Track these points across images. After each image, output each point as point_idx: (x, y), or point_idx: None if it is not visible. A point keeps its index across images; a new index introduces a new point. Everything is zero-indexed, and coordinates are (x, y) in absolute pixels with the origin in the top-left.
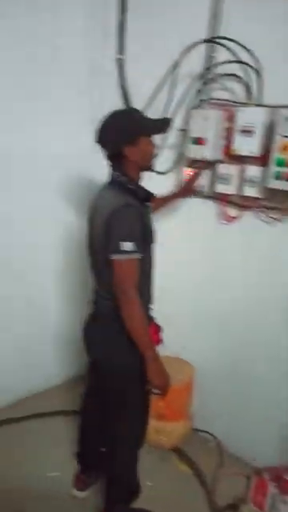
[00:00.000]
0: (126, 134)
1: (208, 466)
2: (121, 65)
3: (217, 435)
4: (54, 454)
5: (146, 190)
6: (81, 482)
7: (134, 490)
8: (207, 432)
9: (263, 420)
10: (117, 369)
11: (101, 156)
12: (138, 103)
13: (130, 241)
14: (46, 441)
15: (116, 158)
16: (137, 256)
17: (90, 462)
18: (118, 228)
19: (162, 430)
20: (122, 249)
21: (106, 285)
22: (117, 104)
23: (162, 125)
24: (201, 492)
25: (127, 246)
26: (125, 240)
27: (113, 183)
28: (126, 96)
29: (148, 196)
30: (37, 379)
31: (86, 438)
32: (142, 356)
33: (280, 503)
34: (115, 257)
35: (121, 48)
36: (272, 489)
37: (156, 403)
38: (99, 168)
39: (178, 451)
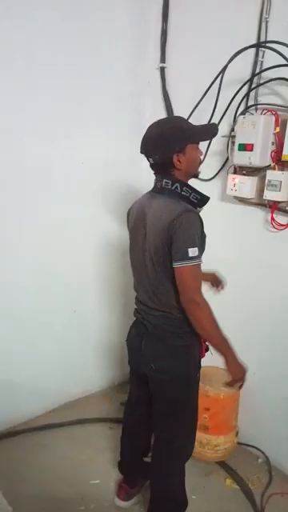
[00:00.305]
0: (174, 143)
1: (256, 483)
2: (163, 73)
3: (265, 451)
4: (95, 462)
5: (201, 194)
6: (124, 492)
7: (181, 504)
8: (255, 447)
9: None
10: (179, 380)
11: (140, 164)
12: (180, 111)
13: (194, 246)
14: (88, 448)
15: (162, 167)
16: (200, 261)
17: (134, 472)
18: (183, 234)
19: (206, 442)
20: (188, 255)
21: (162, 295)
22: (158, 112)
23: (209, 131)
24: (248, 509)
25: (192, 251)
26: (190, 246)
27: (162, 191)
28: (168, 104)
29: (204, 200)
30: (77, 386)
31: (129, 448)
32: (223, 357)
33: None
34: (180, 264)
35: (163, 56)
36: None
37: (200, 415)
38: (138, 175)
39: (223, 465)
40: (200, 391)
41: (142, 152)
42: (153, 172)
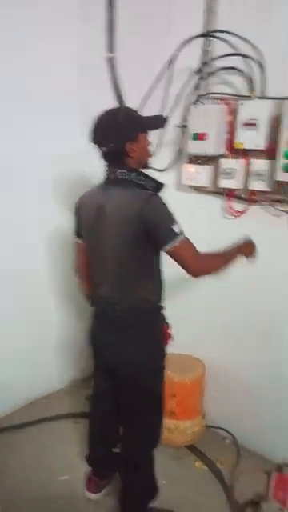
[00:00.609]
0: (127, 131)
1: (225, 463)
2: (112, 63)
3: (233, 431)
4: (62, 458)
5: (156, 181)
6: (94, 485)
7: (153, 491)
8: (223, 429)
9: (280, 415)
10: (147, 371)
11: (91, 156)
12: (131, 102)
13: (176, 222)
14: (54, 445)
15: (116, 156)
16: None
17: (103, 464)
18: (161, 216)
19: (174, 428)
20: (175, 233)
21: (130, 287)
22: (109, 103)
23: (158, 120)
24: (219, 489)
25: (177, 227)
26: (173, 224)
27: (118, 181)
28: (119, 95)
29: (159, 187)
30: (39, 384)
31: (97, 441)
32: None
33: None
34: (171, 244)
35: (111, 46)
36: None
37: (168, 401)
38: (89, 168)
39: (192, 449)
40: (166, 378)
41: (93, 141)
42: (104, 163)
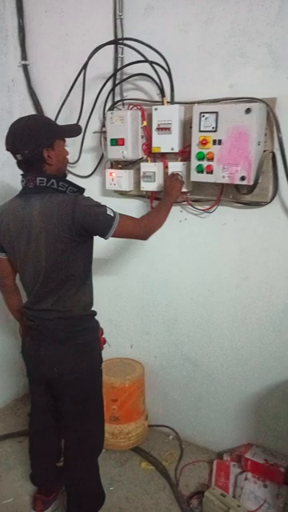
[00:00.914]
0: (44, 137)
1: (169, 460)
2: (26, 70)
3: (175, 427)
4: (6, 480)
5: (77, 186)
6: (40, 503)
7: (99, 498)
8: (165, 426)
9: (217, 406)
10: (84, 378)
11: (14, 165)
12: (49, 108)
13: (105, 206)
14: None
15: (32, 163)
16: (117, 212)
17: (48, 481)
18: (91, 209)
19: (118, 432)
20: (110, 216)
21: (62, 295)
22: (27, 110)
23: (74, 128)
24: (165, 486)
25: (109, 211)
26: (104, 211)
27: (38, 189)
28: (36, 101)
29: (80, 192)
30: None
31: (40, 457)
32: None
33: (242, 481)
34: (112, 228)
35: (24, 53)
36: (233, 469)
37: (109, 407)
38: (10, 177)
39: (137, 450)
40: (105, 384)
41: (8, 149)
42: (21, 172)
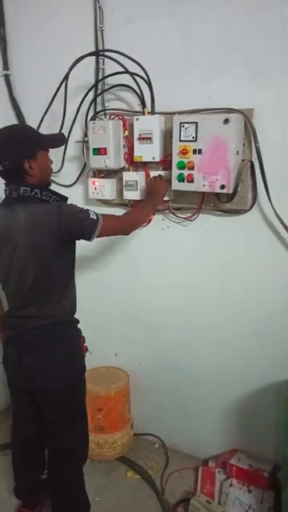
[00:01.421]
0: (25, 149)
1: (155, 468)
2: (8, 80)
3: (160, 436)
4: None
5: (60, 195)
6: None
7: (84, 508)
8: (151, 434)
9: (202, 413)
10: (68, 386)
11: None
12: (32, 118)
13: (88, 211)
14: None
15: (14, 174)
16: (100, 214)
17: (32, 493)
18: (78, 215)
19: (104, 442)
20: (93, 219)
21: (47, 302)
22: (10, 120)
23: (58, 138)
24: (151, 495)
25: (91, 214)
26: (87, 215)
27: (22, 199)
28: (18, 112)
29: (63, 200)
30: None
31: (23, 470)
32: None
33: (227, 487)
34: (96, 231)
35: (5, 63)
36: (219, 475)
37: (94, 416)
38: None
39: (123, 460)
40: (90, 393)
41: None
42: (4, 182)
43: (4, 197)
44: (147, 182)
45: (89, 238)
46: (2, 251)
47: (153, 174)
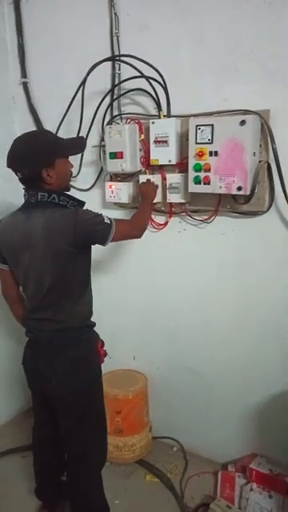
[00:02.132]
0: (43, 158)
1: (174, 472)
2: (26, 88)
3: (179, 439)
4: (10, 495)
5: (77, 200)
6: None
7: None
8: (169, 438)
9: (221, 417)
10: (83, 391)
11: (17, 182)
12: (49, 124)
13: (102, 215)
14: (1, 482)
15: (32, 181)
16: (112, 219)
17: (52, 495)
18: (90, 222)
19: (122, 445)
20: (107, 224)
21: (61, 307)
22: (28, 127)
23: (77, 144)
24: (171, 498)
25: (105, 219)
26: (102, 220)
27: (40, 204)
28: (36, 118)
29: (80, 205)
30: None
31: (43, 471)
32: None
33: (247, 492)
34: (109, 235)
35: (24, 71)
36: (238, 480)
37: (113, 419)
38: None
39: (142, 463)
40: (108, 396)
41: (8, 166)
42: (23, 187)
43: (23, 201)
44: (139, 187)
45: (103, 243)
46: (20, 256)
47: (169, 176)
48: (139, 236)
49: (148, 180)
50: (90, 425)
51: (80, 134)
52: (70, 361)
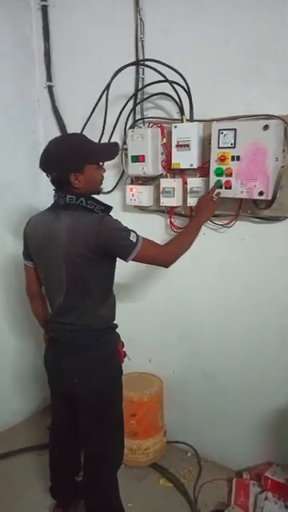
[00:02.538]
0: (72, 163)
1: (188, 477)
2: (51, 91)
3: (193, 444)
4: (26, 494)
5: (105, 205)
6: None
7: None
8: (183, 443)
9: (237, 423)
10: (105, 390)
11: (40, 183)
12: (72, 128)
13: (129, 231)
14: (17, 481)
15: (61, 184)
16: (140, 237)
17: (66, 494)
18: (115, 233)
19: (136, 448)
20: (132, 242)
21: (83, 309)
22: (52, 130)
23: (110, 151)
24: (184, 504)
25: (132, 236)
26: (128, 235)
27: (67, 206)
28: (60, 121)
29: (107, 210)
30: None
31: (59, 471)
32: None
33: (262, 500)
34: (133, 254)
35: (49, 75)
36: (253, 488)
37: (128, 422)
38: (38, 195)
39: (155, 467)
40: (124, 398)
41: (40, 167)
42: (53, 188)
43: (53, 201)
44: (199, 200)
45: (124, 259)
46: (43, 255)
47: (190, 181)
48: (166, 266)
49: (210, 193)
50: (110, 424)
51: (103, 138)
52: (93, 360)
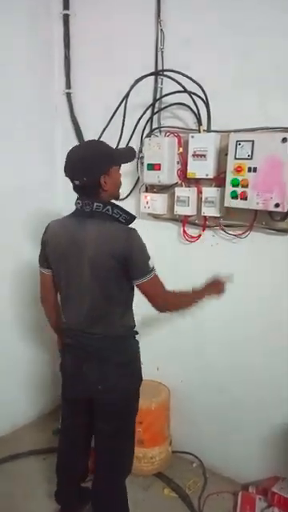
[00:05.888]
0: (101, 165)
1: (193, 488)
2: (69, 98)
3: (199, 455)
4: (31, 497)
5: (130, 214)
6: None
7: None
8: (189, 453)
9: (244, 436)
10: (128, 396)
11: (55, 188)
12: (89, 135)
13: (150, 257)
14: (22, 483)
15: (90, 189)
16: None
17: (72, 500)
18: (139, 252)
19: (142, 456)
20: (149, 268)
21: (105, 318)
22: (69, 137)
23: (129, 154)
24: None
25: (151, 263)
26: (148, 259)
27: (93, 214)
28: (77, 128)
29: (131, 220)
30: (5, 421)
31: (66, 476)
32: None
33: None
34: (145, 278)
35: (68, 82)
36: (259, 502)
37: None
38: (53, 200)
39: (160, 476)
40: None
41: (66, 175)
42: (78, 195)
43: (74, 209)
44: (211, 281)
45: (133, 279)
46: (68, 263)
47: (205, 190)
48: (161, 309)
49: (223, 280)
50: (127, 431)
51: (120, 145)
52: (118, 366)
